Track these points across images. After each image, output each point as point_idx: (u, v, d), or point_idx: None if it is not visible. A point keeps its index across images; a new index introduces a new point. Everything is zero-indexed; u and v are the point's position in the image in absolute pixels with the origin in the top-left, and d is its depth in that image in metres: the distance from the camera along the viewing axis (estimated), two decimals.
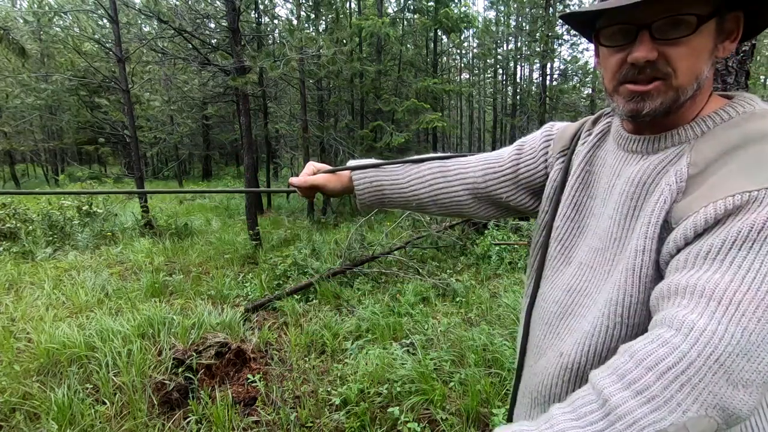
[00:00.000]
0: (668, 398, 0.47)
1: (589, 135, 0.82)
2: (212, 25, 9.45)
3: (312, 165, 1.01)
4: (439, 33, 14.91)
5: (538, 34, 16.98)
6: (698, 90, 0.62)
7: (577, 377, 0.69)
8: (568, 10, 0.73)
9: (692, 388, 0.47)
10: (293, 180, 0.99)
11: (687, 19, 0.58)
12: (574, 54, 19.71)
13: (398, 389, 2.58)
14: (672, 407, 0.46)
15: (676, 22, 0.59)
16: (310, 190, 1.00)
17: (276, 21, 11.49)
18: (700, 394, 0.47)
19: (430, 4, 13.18)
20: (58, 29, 10.49)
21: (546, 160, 0.90)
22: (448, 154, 1.01)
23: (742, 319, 0.47)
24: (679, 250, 0.57)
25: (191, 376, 2.76)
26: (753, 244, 0.50)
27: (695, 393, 0.47)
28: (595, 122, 0.84)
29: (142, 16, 9.24)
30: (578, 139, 0.84)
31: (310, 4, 10.55)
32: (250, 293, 4.58)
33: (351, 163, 1.00)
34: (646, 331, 0.58)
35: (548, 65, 18.41)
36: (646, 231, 0.61)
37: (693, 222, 0.55)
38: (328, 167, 1.01)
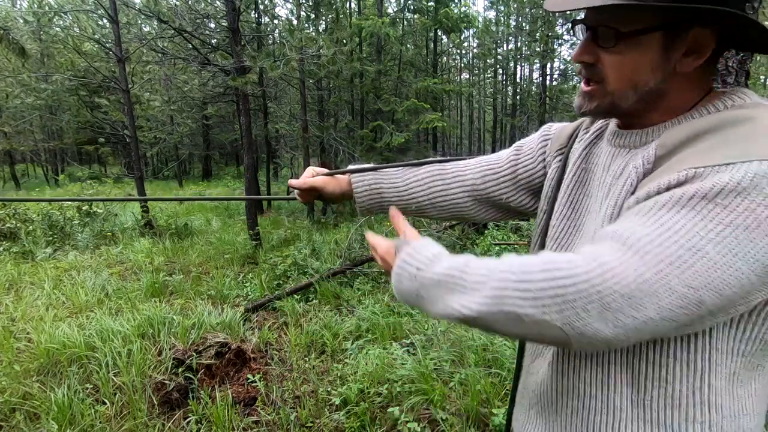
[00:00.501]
0: (538, 297, 0.50)
1: (586, 133, 0.82)
2: (212, 25, 9.46)
3: (312, 169, 1.00)
4: (439, 33, 14.92)
5: (538, 34, 17.00)
6: (660, 96, 0.63)
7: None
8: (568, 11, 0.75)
9: (563, 302, 0.49)
10: (292, 182, 0.98)
11: (609, 31, 0.61)
12: None
13: (398, 389, 2.58)
14: (537, 305, 0.50)
15: (606, 32, 0.61)
16: (309, 194, 0.99)
17: (276, 21, 11.50)
18: (567, 311, 0.49)
19: (430, 4, 13.18)
20: (58, 29, 10.49)
21: (544, 160, 0.90)
22: (447, 157, 1.01)
23: (641, 267, 0.49)
24: None
25: (191, 376, 2.76)
26: (677, 206, 0.52)
27: (563, 307, 0.49)
28: (593, 121, 0.84)
29: (142, 16, 9.24)
30: (575, 138, 0.84)
31: (310, 4, 10.55)
32: (250, 293, 4.58)
33: (350, 167, 1.00)
34: None
35: (548, 65, 18.44)
36: (611, 213, 0.63)
37: (645, 191, 0.57)
38: (327, 171, 1.01)
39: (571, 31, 0.72)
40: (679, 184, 0.54)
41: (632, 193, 0.61)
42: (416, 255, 0.64)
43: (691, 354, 0.59)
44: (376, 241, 0.75)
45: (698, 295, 0.49)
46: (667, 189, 0.54)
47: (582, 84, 0.69)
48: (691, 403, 0.60)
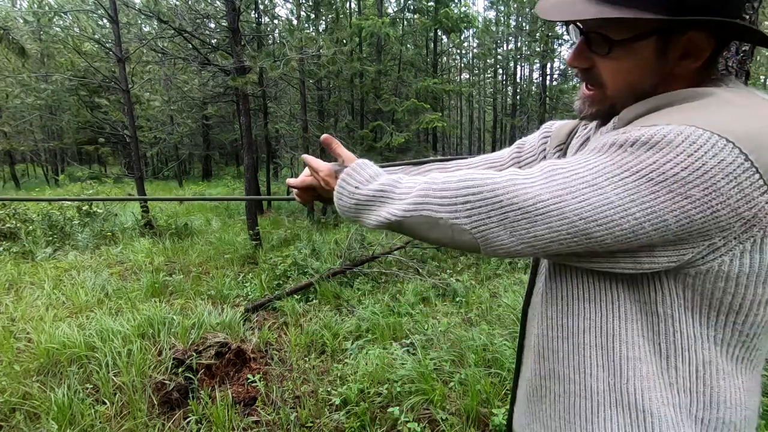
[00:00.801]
0: (452, 203, 0.58)
1: (585, 129, 0.83)
2: (212, 25, 9.45)
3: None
4: (439, 33, 14.92)
5: (538, 34, 16.99)
6: (652, 94, 0.63)
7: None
8: None
9: (472, 207, 0.57)
10: (291, 181, 0.96)
11: (602, 39, 0.61)
12: None
13: (398, 389, 2.58)
14: (451, 210, 0.58)
15: (599, 39, 0.61)
16: (308, 194, 0.96)
17: (276, 21, 11.49)
18: (474, 216, 0.57)
19: (430, 4, 13.18)
20: (58, 29, 10.49)
21: (545, 157, 0.91)
22: (448, 156, 1.01)
23: (542, 189, 0.54)
24: None
25: (191, 376, 2.76)
26: (596, 151, 0.56)
27: (472, 213, 0.57)
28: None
29: (142, 16, 9.24)
30: (574, 134, 0.85)
31: (310, 4, 10.55)
32: (250, 293, 4.58)
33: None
34: (609, 304, 0.63)
35: (548, 65, 18.43)
36: None
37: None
38: None
39: (566, 32, 0.72)
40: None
41: None
42: (355, 175, 0.72)
43: (655, 335, 0.60)
44: (318, 164, 0.81)
45: (587, 227, 0.52)
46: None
47: (582, 86, 0.69)
48: (663, 386, 0.60)
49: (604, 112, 0.67)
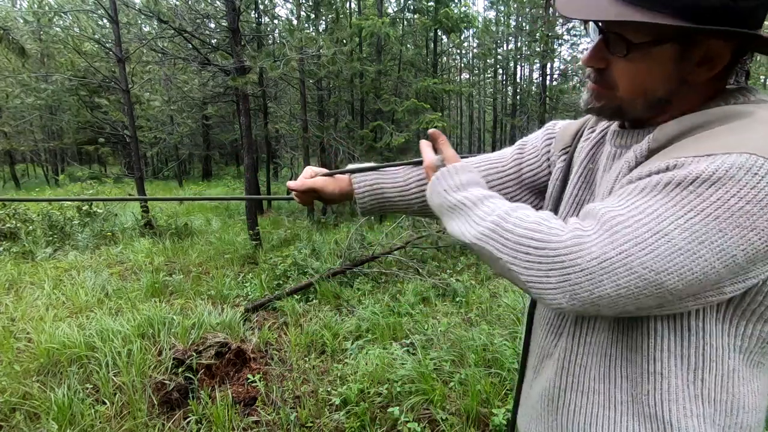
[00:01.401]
0: (515, 249, 0.56)
1: (592, 132, 0.81)
2: (212, 25, 9.45)
3: (310, 169, 0.97)
4: (439, 33, 14.90)
5: (538, 34, 16.98)
6: (668, 102, 0.63)
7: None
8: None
9: (531, 261, 0.54)
10: (291, 183, 0.95)
11: (621, 40, 0.59)
12: (574, 54, 19.68)
13: (398, 389, 2.58)
14: (510, 256, 0.56)
15: (617, 40, 0.60)
16: (307, 195, 0.96)
17: (276, 21, 11.50)
18: (534, 271, 0.54)
19: (430, 4, 13.17)
20: (58, 29, 10.49)
21: (548, 159, 0.89)
22: None
23: (606, 245, 0.51)
24: None
25: (191, 376, 2.76)
26: (653, 191, 0.53)
27: (531, 266, 0.54)
28: (598, 119, 0.83)
29: (142, 16, 9.24)
30: (580, 137, 0.83)
31: (310, 4, 10.55)
32: (250, 293, 4.58)
33: (350, 166, 0.97)
34: (638, 320, 0.61)
35: (548, 65, 18.41)
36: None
37: (627, 178, 0.59)
38: (326, 171, 0.98)
39: (583, 29, 0.72)
40: (659, 172, 0.54)
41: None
42: (448, 178, 0.72)
43: (684, 349, 0.59)
44: (426, 152, 0.81)
45: (658, 278, 0.49)
46: (648, 175, 0.55)
47: (591, 82, 0.68)
48: (686, 397, 0.60)
49: (610, 110, 0.67)
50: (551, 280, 0.53)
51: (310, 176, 0.96)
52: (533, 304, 0.84)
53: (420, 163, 0.96)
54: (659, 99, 0.62)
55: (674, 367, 0.60)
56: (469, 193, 0.68)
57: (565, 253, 0.52)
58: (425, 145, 0.82)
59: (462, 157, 0.98)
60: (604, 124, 0.80)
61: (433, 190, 0.74)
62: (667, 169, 0.54)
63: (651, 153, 0.61)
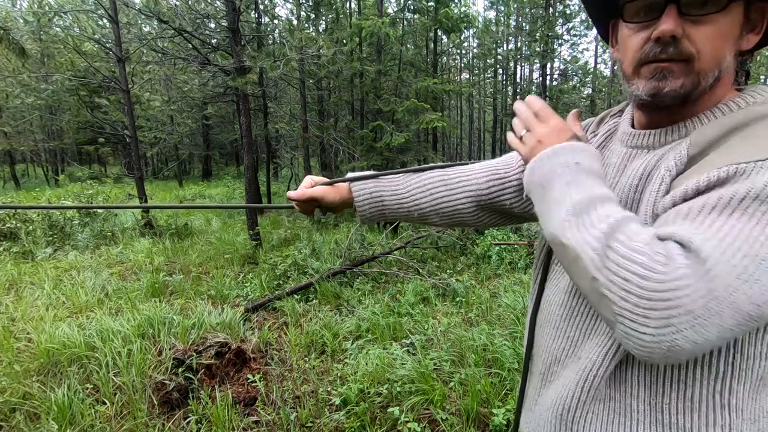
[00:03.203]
0: (614, 272, 0.49)
1: (595, 136, 0.80)
2: (212, 25, 9.45)
3: (310, 178, 0.98)
4: (439, 33, 14.90)
5: (538, 34, 16.96)
6: (718, 80, 0.61)
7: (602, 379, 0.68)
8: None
9: (628, 292, 0.48)
10: (291, 194, 0.95)
11: None
12: (574, 54, 19.72)
13: (398, 389, 2.58)
14: (607, 279, 0.50)
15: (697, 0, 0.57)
16: (308, 204, 0.96)
17: (276, 21, 11.49)
18: (628, 304, 0.48)
19: (430, 4, 13.16)
20: (58, 29, 10.50)
21: None
22: (448, 162, 0.99)
23: (711, 283, 0.46)
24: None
25: (191, 376, 2.76)
26: (729, 209, 0.49)
27: (627, 297, 0.48)
28: (600, 123, 0.83)
29: (142, 16, 9.23)
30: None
31: (310, 4, 10.55)
32: (250, 293, 4.58)
33: (349, 175, 0.97)
34: None
35: (548, 65, 18.39)
36: (644, 216, 0.61)
37: (683, 190, 0.55)
38: (326, 180, 0.98)
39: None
40: (720, 183, 0.52)
41: (667, 193, 0.59)
42: (590, 155, 0.62)
43: (713, 358, 0.58)
44: (549, 111, 0.69)
45: (760, 312, 0.46)
46: (708, 188, 0.52)
47: (656, 63, 0.61)
48: (711, 407, 0.59)
49: (688, 89, 0.60)
50: (650, 319, 0.47)
51: (310, 185, 0.96)
52: (536, 308, 0.82)
53: (421, 170, 0.96)
54: (722, 70, 0.59)
55: (699, 377, 0.59)
56: (595, 182, 0.59)
57: (671, 288, 0.46)
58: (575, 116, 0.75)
59: (462, 163, 0.97)
60: (605, 127, 0.79)
61: (559, 153, 0.62)
62: (728, 178, 0.51)
63: (691, 159, 0.59)
